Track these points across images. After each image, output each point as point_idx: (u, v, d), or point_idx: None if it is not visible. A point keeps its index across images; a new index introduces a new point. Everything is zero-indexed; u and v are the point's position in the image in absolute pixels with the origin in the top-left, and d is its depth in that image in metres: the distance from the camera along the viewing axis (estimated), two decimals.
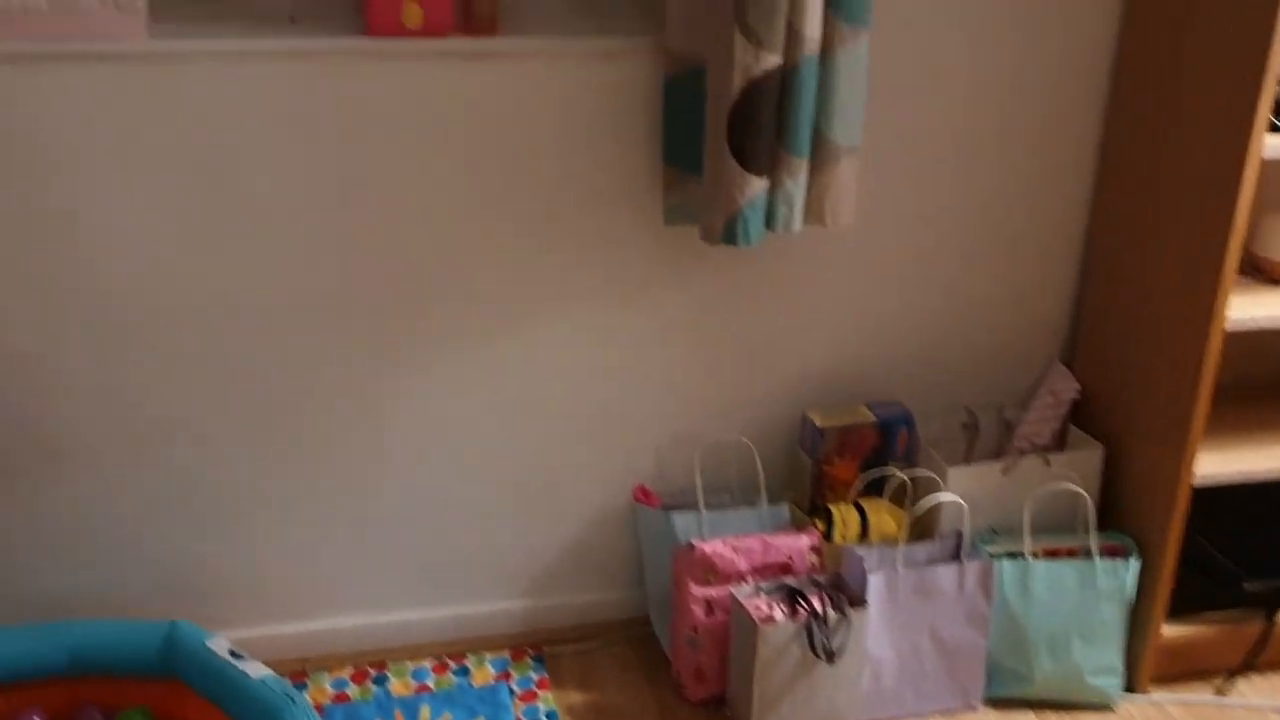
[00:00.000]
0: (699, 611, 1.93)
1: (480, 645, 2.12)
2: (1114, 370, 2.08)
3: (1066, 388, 2.12)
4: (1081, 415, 2.13)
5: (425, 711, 1.97)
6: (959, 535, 1.96)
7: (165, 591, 1.98)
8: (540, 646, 2.12)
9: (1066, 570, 1.95)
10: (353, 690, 2.02)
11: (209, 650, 1.75)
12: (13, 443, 1.86)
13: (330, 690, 2.01)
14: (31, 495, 1.89)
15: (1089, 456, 2.07)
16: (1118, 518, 2.06)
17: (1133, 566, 1.96)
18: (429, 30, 1.77)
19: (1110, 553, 1.99)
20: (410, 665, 2.07)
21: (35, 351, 1.81)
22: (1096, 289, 2.13)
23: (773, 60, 1.69)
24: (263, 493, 1.97)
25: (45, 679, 1.77)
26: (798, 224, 1.84)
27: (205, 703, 1.73)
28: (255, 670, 1.72)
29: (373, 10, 1.75)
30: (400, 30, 1.76)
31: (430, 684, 2.03)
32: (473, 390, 1.99)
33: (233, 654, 1.75)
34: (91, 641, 1.79)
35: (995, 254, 2.11)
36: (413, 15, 1.76)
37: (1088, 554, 1.96)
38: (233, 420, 1.92)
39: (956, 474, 1.99)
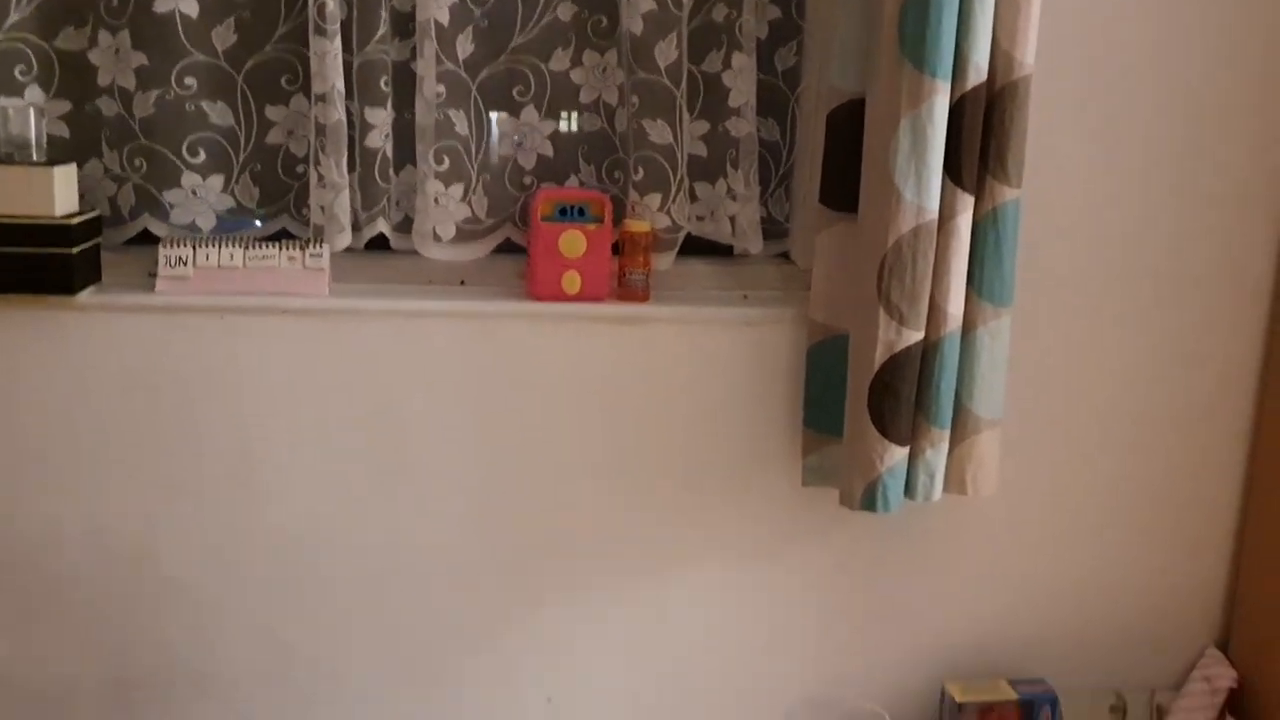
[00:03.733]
0: None
1: None
2: (1274, 659, 1.97)
3: (1221, 674, 2.02)
4: (1239, 706, 2.02)
5: None
6: None
7: None
8: None
9: None
10: None
11: None
12: (166, 669, 1.92)
13: None
14: None
15: None
16: None
17: None
18: (586, 296, 1.88)
19: None
20: None
21: (196, 583, 1.90)
22: (1253, 570, 2.05)
23: (914, 336, 1.74)
24: None
25: None
26: (938, 493, 1.84)
27: None
28: None
29: (537, 277, 1.88)
30: (560, 295, 1.88)
31: None
32: (605, 642, 1.99)
33: None
34: None
35: (1143, 532, 2.07)
36: (572, 282, 1.88)
37: None
38: (372, 662, 1.95)
39: None
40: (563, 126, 1.95)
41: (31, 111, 1.76)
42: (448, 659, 1.97)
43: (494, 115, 1.93)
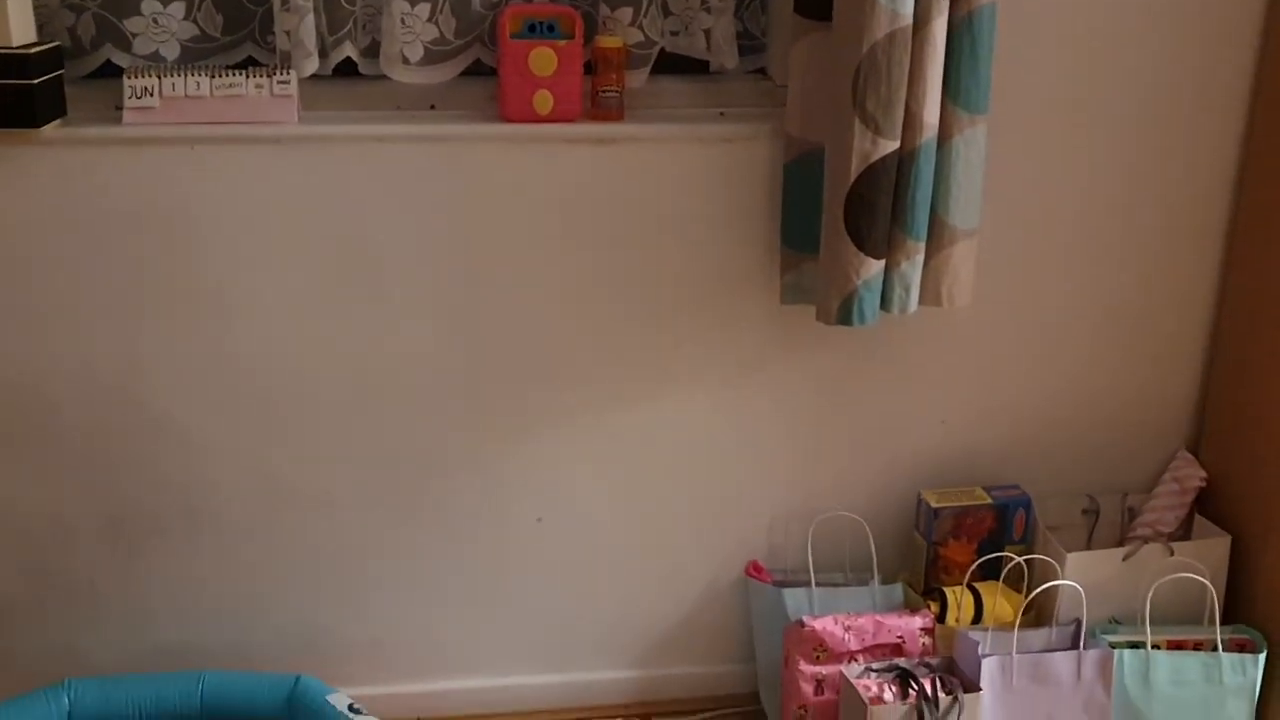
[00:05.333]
0: (808, 689, 1.93)
1: (590, 713, 2.14)
2: (1242, 459, 2.03)
3: (1191, 475, 2.08)
4: (1208, 504, 2.08)
5: None
6: (1077, 623, 1.92)
7: (291, 647, 2.06)
8: (649, 717, 2.13)
9: (1190, 663, 1.89)
10: None
11: (329, 704, 1.81)
12: (159, 503, 1.97)
13: None
14: (173, 553, 1.99)
15: (1215, 546, 2.01)
16: (1245, 611, 2.00)
17: (1261, 661, 1.90)
18: (558, 116, 1.86)
19: (1237, 647, 1.92)
20: None
21: (183, 417, 1.92)
22: (1223, 375, 2.09)
23: (890, 146, 1.73)
24: (385, 557, 2.04)
25: None
26: (913, 305, 1.86)
27: None
28: None
29: (507, 97, 1.85)
30: (532, 116, 1.85)
31: None
32: (591, 463, 2.04)
33: (351, 709, 1.81)
34: (222, 690, 1.86)
35: (1117, 339, 2.10)
36: (544, 102, 1.85)
37: (1213, 647, 1.90)
38: (360, 487, 2.00)
39: (1075, 559, 1.96)
40: None
41: None
42: (435, 483, 2.02)
43: None
